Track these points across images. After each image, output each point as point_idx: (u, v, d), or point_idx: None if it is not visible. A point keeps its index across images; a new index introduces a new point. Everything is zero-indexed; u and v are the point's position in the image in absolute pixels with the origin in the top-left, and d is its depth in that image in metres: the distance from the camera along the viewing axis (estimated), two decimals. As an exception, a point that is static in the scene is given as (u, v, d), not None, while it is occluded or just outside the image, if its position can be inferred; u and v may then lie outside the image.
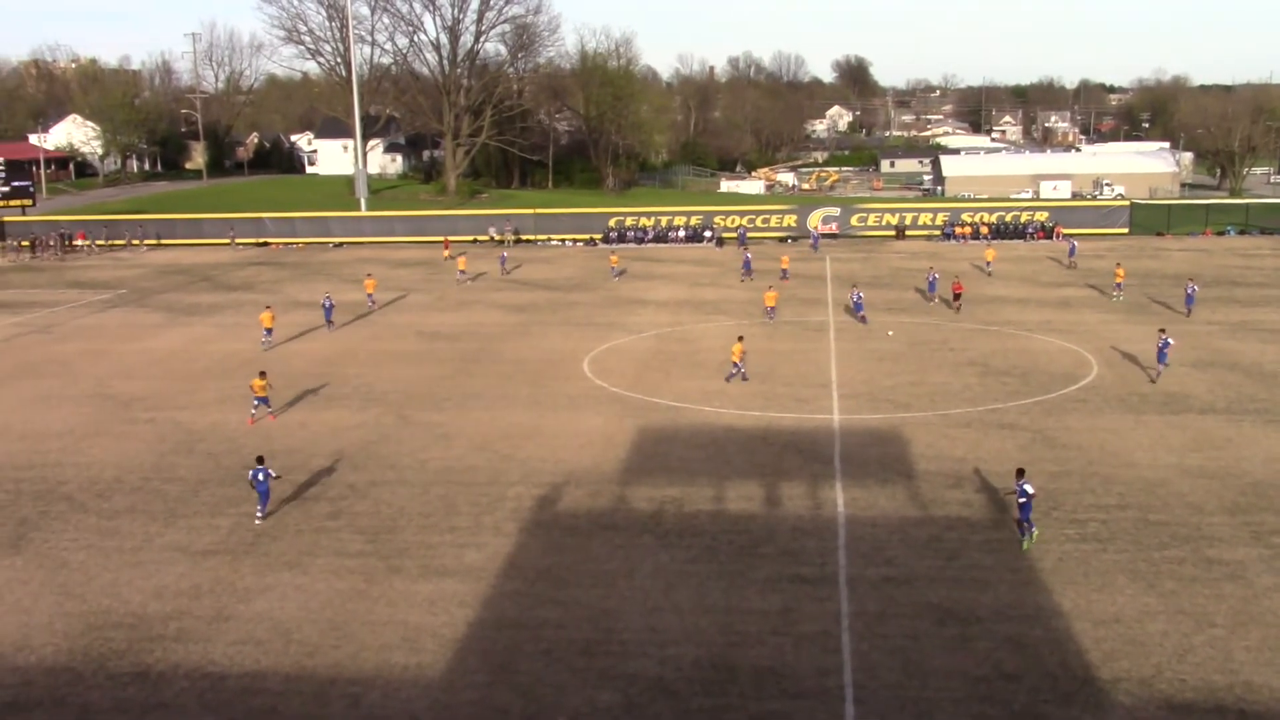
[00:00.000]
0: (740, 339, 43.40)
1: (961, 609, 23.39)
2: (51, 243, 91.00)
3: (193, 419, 39.28)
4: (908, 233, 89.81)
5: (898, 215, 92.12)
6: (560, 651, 21.89)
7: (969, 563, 25.71)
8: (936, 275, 59.51)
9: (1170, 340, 42.04)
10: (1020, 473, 27.01)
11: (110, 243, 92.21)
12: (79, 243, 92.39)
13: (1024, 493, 26.27)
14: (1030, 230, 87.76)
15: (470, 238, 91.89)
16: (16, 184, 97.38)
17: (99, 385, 44.49)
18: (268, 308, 52.70)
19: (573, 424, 37.61)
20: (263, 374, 38.93)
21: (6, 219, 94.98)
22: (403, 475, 32.75)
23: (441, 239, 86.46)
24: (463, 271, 70.78)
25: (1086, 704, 19.86)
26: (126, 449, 35.93)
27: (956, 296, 56.70)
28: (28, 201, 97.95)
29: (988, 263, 70.19)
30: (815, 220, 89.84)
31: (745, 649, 21.96)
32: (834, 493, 30.46)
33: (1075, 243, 76.69)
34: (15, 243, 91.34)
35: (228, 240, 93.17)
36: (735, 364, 42.59)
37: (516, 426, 37.41)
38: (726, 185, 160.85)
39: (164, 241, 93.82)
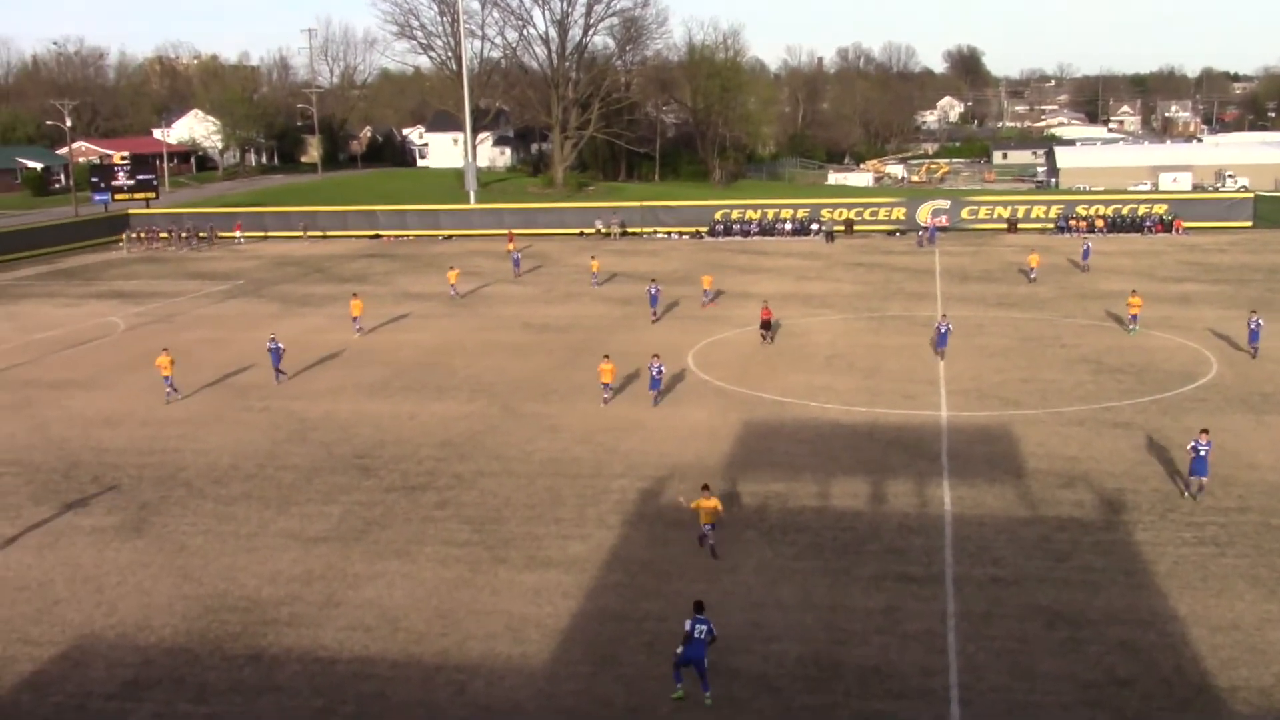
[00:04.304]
0: (606, 356, 40.00)
1: (1072, 612, 22.89)
2: (204, 234, 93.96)
3: (305, 408, 40.20)
4: (1020, 226, 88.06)
5: (1010, 208, 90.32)
6: (663, 644, 21.87)
7: (1080, 564, 25.14)
8: (949, 325, 45.61)
9: (1261, 321, 43.36)
10: (699, 607, 20.52)
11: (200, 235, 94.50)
12: (237, 235, 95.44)
13: (707, 631, 20.19)
14: (1148, 223, 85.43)
15: (577, 230, 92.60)
16: (141, 177, 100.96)
17: (216, 373, 45.77)
18: (165, 350, 43.07)
19: (677, 417, 37.64)
20: None
21: (131, 211, 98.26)
22: (509, 466, 33.11)
23: (506, 231, 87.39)
24: (454, 286, 63.30)
25: (1202, 711, 19.31)
26: (242, 437, 36.92)
27: (765, 325, 48.47)
28: (151, 194, 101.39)
29: (1031, 268, 63.81)
30: (925, 213, 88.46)
31: (849, 647, 21.78)
32: (941, 490, 30.03)
33: (1090, 244, 70.65)
34: (192, 232, 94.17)
35: (300, 233, 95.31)
36: (605, 385, 39.36)
37: (621, 419, 37.56)
38: (834, 178, 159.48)
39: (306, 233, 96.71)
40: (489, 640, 22.49)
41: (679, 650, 20.03)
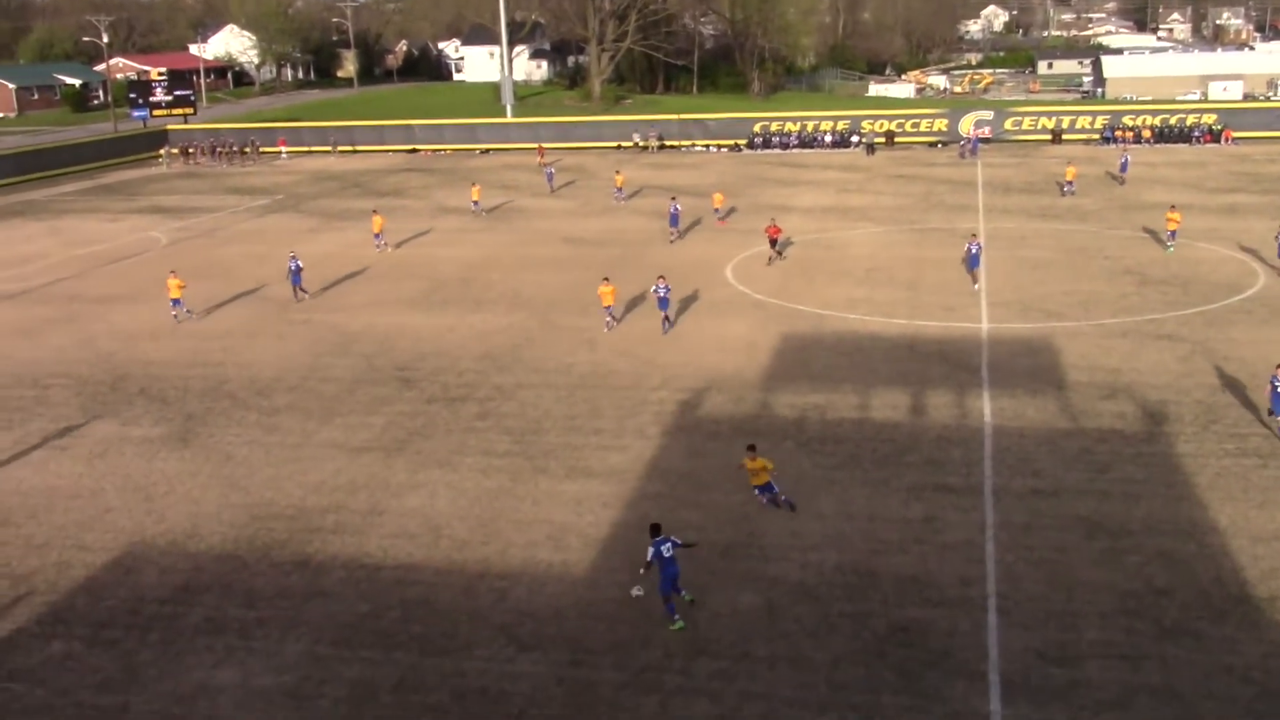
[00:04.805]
0: (606, 279, 38.60)
1: (1111, 522, 22.87)
2: (247, 149, 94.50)
3: (346, 321, 40.47)
4: (1065, 137, 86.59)
5: (1054, 119, 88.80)
6: (701, 553, 22.06)
7: (1120, 476, 25.07)
8: (979, 244, 43.03)
9: None
10: (655, 529, 20.08)
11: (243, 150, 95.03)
12: (282, 150, 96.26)
13: (672, 545, 19.75)
14: (1197, 134, 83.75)
15: (615, 144, 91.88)
16: (179, 93, 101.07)
17: (257, 286, 46.08)
18: (172, 272, 42.19)
19: (716, 330, 37.60)
20: None
21: (169, 127, 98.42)
22: (548, 378, 33.27)
23: (537, 145, 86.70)
24: (476, 202, 62.06)
25: (1241, 622, 19.29)
26: (284, 350, 37.26)
27: (773, 243, 47.34)
28: (189, 110, 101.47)
29: (1068, 181, 61.78)
30: (967, 125, 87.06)
31: (887, 556, 21.90)
32: (981, 402, 29.92)
33: (1129, 156, 67.80)
34: (236, 147, 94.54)
35: (330, 148, 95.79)
36: (607, 308, 38.08)
37: (659, 332, 37.55)
38: (875, 89, 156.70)
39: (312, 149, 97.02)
40: (530, 548, 22.79)
41: (659, 583, 19.63)
